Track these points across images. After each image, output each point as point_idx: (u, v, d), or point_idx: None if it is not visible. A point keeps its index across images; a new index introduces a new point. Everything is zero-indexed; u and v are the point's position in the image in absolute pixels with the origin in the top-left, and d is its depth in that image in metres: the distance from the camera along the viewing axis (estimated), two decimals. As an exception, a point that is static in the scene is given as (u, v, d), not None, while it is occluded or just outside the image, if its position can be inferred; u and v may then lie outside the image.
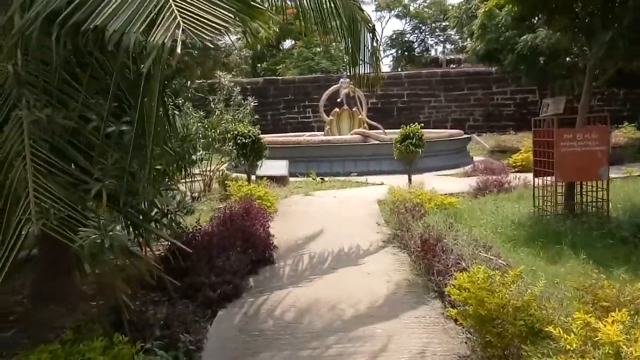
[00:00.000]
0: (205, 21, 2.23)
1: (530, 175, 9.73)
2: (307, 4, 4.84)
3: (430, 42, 31.49)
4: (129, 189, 2.79)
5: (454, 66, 24.94)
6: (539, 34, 12.09)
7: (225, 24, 2.24)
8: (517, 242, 5.12)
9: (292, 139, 13.65)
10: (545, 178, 6.09)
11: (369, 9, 33.99)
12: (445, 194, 8.27)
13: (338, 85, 15.75)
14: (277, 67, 27.36)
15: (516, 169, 11.11)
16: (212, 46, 2.23)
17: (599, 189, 5.69)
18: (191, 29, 2.15)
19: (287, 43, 31.60)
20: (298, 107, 21.67)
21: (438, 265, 4.00)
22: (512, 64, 13.13)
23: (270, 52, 29.74)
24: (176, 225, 3.55)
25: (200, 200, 8.69)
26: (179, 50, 2.07)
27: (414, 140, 7.94)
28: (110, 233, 2.40)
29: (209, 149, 9.59)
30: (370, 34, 5.50)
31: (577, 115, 5.99)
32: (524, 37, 12.24)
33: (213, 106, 9.92)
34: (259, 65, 29.56)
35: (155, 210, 3.37)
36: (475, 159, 14.39)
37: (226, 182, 8.55)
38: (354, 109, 15.30)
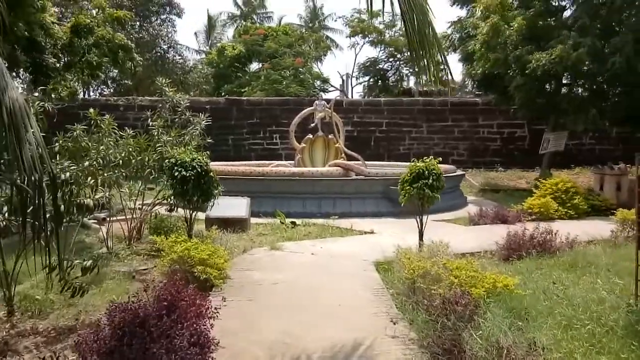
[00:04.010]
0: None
1: (558, 225, 7.71)
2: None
3: (404, 71, 29.93)
4: None
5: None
6: (555, 51, 10.25)
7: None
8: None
9: (255, 170, 11.10)
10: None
11: (342, 34, 32.59)
12: (463, 254, 6.04)
13: (312, 108, 13.46)
14: (243, 90, 24.91)
15: (532, 217, 9.01)
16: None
17: None
18: None
19: (254, 65, 29.40)
20: (264, 132, 19.18)
21: None
22: (519, 88, 11.20)
23: (235, 74, 27.32)
24: None
25: (120, 256, 5.99)
26: None
27: (431, 181, 5.56)
28: None
29: (141, 180, 6.99)
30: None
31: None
32: (537, 55, 10.40)
33: (151, 123, 7.34)
34: (224, 87, 27.02)
35: None
36: (468, 199, 12.36)
37: (156, 232, 5.87)
38: (329, 137, 13.03)
